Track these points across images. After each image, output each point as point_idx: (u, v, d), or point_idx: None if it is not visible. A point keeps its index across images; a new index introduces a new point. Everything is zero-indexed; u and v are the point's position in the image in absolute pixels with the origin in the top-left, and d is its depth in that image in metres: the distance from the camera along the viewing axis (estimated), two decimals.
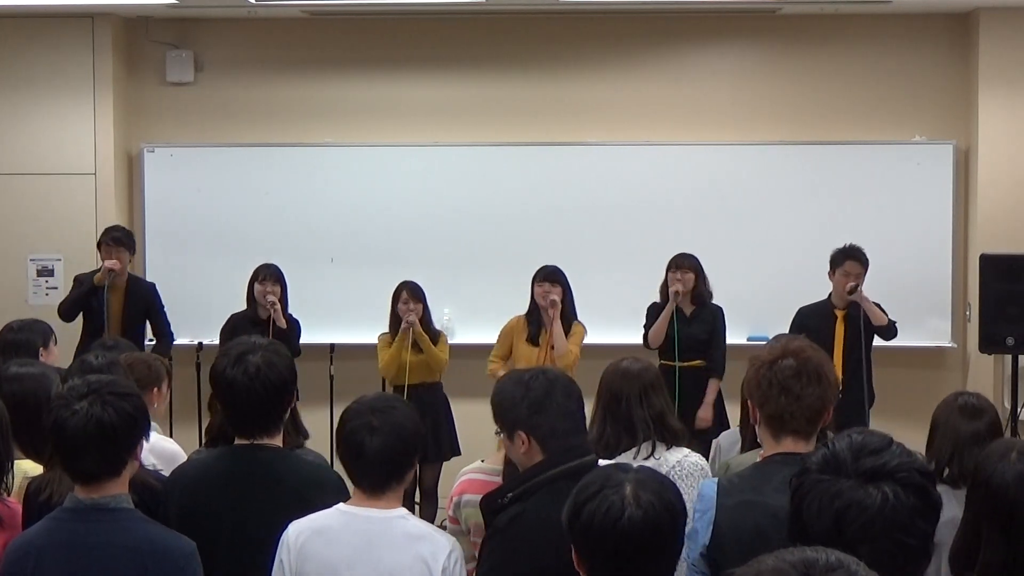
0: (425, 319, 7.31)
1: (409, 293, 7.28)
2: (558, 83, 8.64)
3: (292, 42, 8.76)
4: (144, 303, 7.69)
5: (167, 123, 8.76)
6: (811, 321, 7.13)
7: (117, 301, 7.55)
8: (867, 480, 2.02)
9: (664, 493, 2.48)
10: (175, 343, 8.01)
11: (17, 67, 8.52)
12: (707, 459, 4.64)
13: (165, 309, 7.82)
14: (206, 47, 8.80)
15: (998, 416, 3.93)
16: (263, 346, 3.38)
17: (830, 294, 7.28)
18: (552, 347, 6.98)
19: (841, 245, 7.28)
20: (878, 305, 7.22)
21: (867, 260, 7.22)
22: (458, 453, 7.20)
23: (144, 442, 3.12)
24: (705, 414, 7.06)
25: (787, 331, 7.03)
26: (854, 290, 7.10)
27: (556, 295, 7.01)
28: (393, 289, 7.43)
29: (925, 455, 3.69)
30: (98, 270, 7.48)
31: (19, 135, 8.57)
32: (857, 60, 8.55)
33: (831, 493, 2.02)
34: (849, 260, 7.18)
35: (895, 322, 7.25)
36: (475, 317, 7.43)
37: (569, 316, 7.11)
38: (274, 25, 8.74)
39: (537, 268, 7.21)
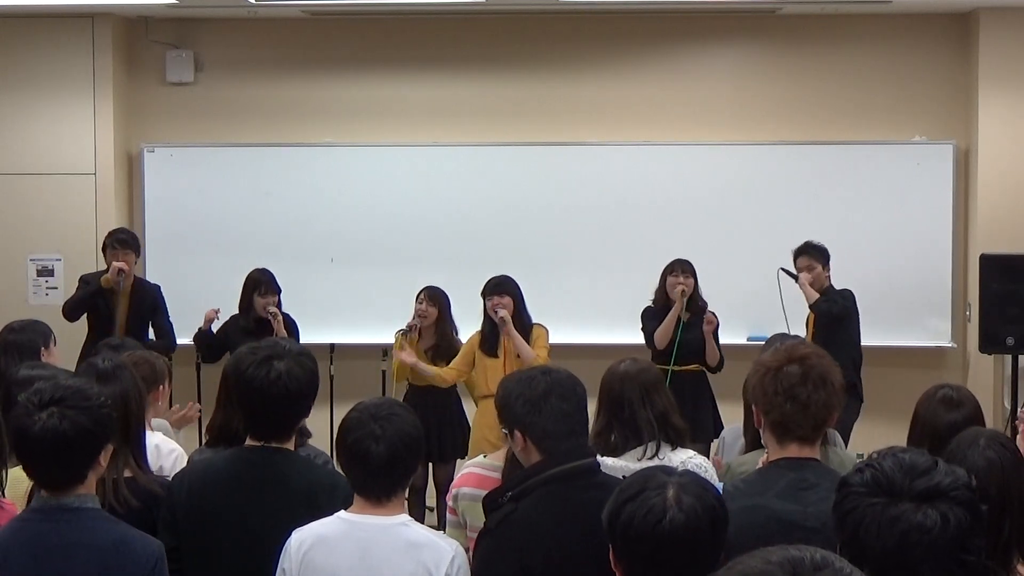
0: (443, 330, 7.23)
1: (426, 296, 7.22)
2: (558, 83, 8.64)
3: (292, 42, 8.76)
4: (149, 305, 7.65)
5: (167, 123, 8.76)
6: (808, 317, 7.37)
7: (122, 303, 7.51)
8: (923, 501, 2.03)
9: (707, 498, 2.45)
10: (176, 342, 7.99)
11: (17, 67, 8.52)
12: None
13: (169, 311, 7.78)
14: (206, 47, 8.80)
15: (979, 409, 3.94)
16: (291, 353, 3.35)
17: None
18: (518, 357, 6.90)
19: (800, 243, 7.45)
20: (831, 288, 7.32)
21: (819, 252, 7.37)
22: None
23: (110, 448, 3.04)
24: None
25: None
26: (795, 277, 7.29)
27: (505, 307, 6.89)
28: (394, 289, 7.43)
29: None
30: (105, 271, 7.45)
31: (19, 135, 8.57)
32: (857, 60, 8.55)
33: (890, 517, 2.03)
34: (801, 256, 7.39)
35: (829, 300, 7.24)
36: (475, 317, 7.40)
37: (525, 323, 7.00)
38: (274, 25, 8.74)
39: (487, 279, 7.08)
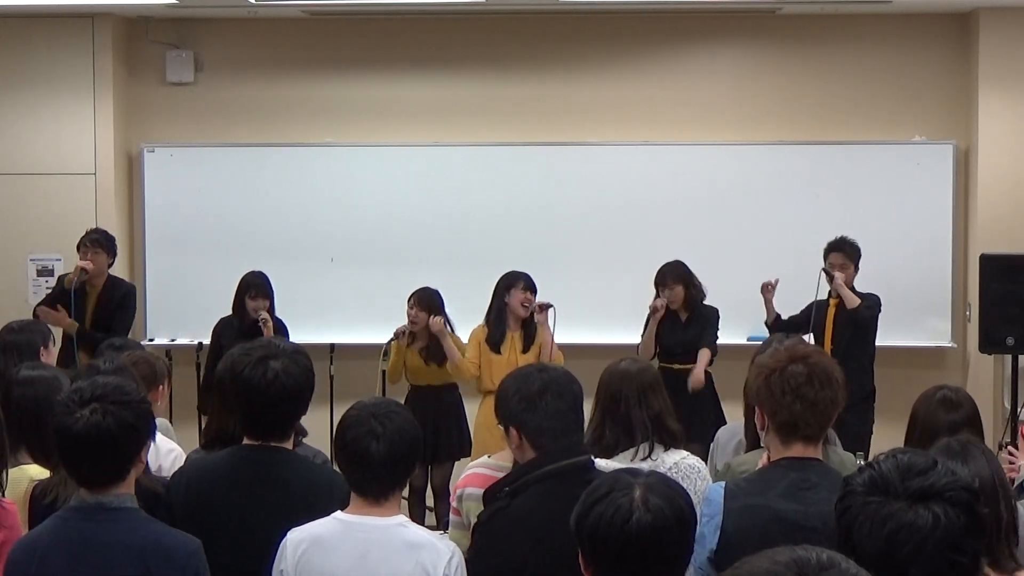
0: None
1: (415, 300, 7.24)
2: (558, 83, 8.63)
3: (292, 42, 8.75)
4: (115, 303, 7.58)
5: (167, 123, 8.76)
6: (818, 310, 7.35)
7: (91, 303, 7.50)
8: (916, 501, 2.04)
9: (674, 498, 2.46)
10: (176, 342, 8.00)
11: (17, 67, 8.51)
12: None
13: (134, 311, 7.69)
14: (206, 47, 8.80)
15: (976, 409, 3.98)
16: (286, 352, 3.37)
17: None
18: (524, 353, 6.92)
19: (833, 238, 7.37)
20: (864, 295, 7.25)
21: (854, 250, 7.31)
22: (468, 454, 7.20)
23: (153, 443, 3.12)
24: (697, 377, 7.09)
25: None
26: (832, 278, 7.19)
27: (535, 302, 6.98)
28: (394, 289, 7.42)
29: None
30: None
31: (19, 135, 8.57)
32: (857, 60, 8.55)
33: (882, 515, 2.03)
34: (833, 252, 7.30)
35: (871, 306, 7.24)
36: (475, 317, 7.41)
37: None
38: (274, 25, 8.74)
39: (505, 272, 7.13)
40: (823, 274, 7.25)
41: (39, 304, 7.54)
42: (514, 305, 6.98)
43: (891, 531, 2.01)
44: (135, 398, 3.02)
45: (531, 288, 7.03)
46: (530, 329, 7.03)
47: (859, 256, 7.31)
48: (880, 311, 7.31)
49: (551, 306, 6.97)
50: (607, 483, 2.49)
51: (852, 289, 7.26)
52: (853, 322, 7.20)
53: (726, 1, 8.43)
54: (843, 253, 7.28)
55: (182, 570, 2.97)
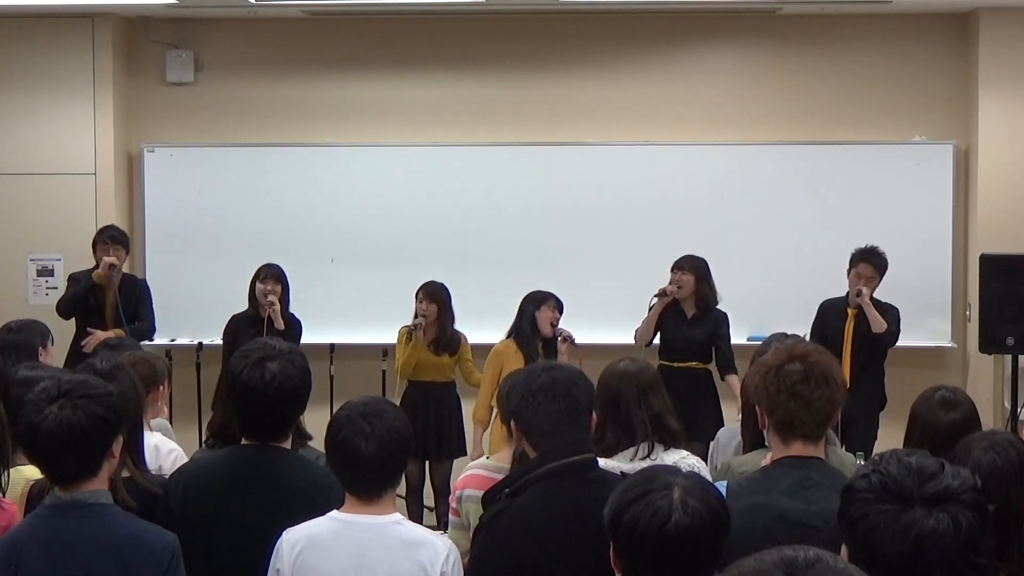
0: (443, 323, 7.26)
1: (424, 294, 7.25)
2: (558, 83, 8.64)
3: (292, 42, 8.76)
4: (135, 298, 7.61)
5: (167, 123, 8.76)
6: (829, 315, 7.32)
7: (110, 300, 7.50)
8: (933, 506, 2.04)
9: (710, 501, 2.47)
10: (176, 342, 8.00)
11: (17, 67, 8.51)
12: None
13: (153, 304, 7.72)
14: (206, 47, 8.80)
15: (975, 409, 3.98)
16: (283, 353, 3.38)
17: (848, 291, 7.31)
18: None
19: (863, 245, 7.29)
20: (885, 309, 7.21)
21: (883, 263, 7.23)
22: (466, 452, 7.19)
23: (120, 438, 3.10)
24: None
25: (811, 322, 7.32)
26: (859, 294, 7.13)
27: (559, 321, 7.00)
28: (394, 289, 7.42)
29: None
30: (95, 267, 7.43)
31: (19, 135, 8.57)
32: (857, 60, 8.55)
33: (903, 523, 2.03)
34: (863, 263, 7.22)
35: (895, 333, 7.24)
36: (475, 317, 7.41)
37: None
38: (274, 25, 8.74)
39: (531, 290, 7.12)
40: (858, 289, 7.13)
41: (66, 304, 7.42)
42: (542, 322, 6.99)
43: (916, 539, 2.02)
44: (102, 391, 3.03)
45: (560, 308, 7.05)
46: (550, 349, 7.00)
47: (886, 269, 7.24)
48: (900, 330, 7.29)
49: (571, 338, 6.96)
50: (643, 481, 2.49)
51: (873, 301, 7.21)
52: (875, 339, 7.18)
53: (726, 1, 8.44)
54: (873, 266, 7.19)
55: (158, 564, 2.98)
